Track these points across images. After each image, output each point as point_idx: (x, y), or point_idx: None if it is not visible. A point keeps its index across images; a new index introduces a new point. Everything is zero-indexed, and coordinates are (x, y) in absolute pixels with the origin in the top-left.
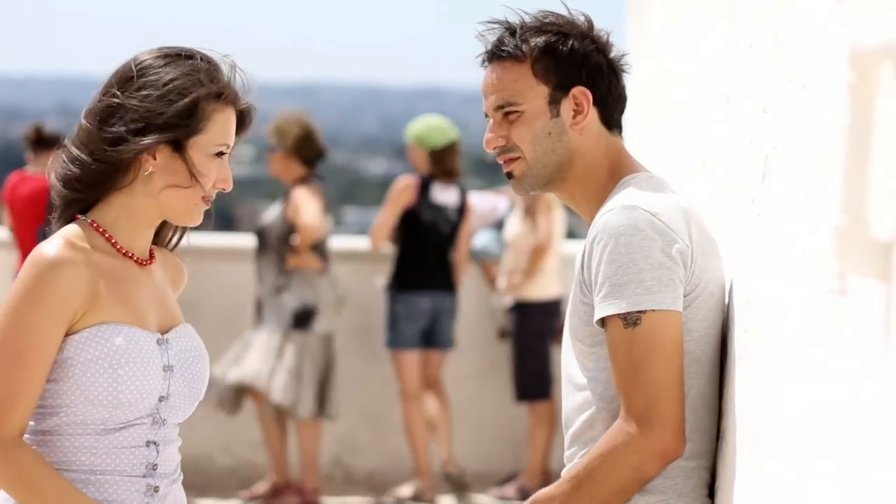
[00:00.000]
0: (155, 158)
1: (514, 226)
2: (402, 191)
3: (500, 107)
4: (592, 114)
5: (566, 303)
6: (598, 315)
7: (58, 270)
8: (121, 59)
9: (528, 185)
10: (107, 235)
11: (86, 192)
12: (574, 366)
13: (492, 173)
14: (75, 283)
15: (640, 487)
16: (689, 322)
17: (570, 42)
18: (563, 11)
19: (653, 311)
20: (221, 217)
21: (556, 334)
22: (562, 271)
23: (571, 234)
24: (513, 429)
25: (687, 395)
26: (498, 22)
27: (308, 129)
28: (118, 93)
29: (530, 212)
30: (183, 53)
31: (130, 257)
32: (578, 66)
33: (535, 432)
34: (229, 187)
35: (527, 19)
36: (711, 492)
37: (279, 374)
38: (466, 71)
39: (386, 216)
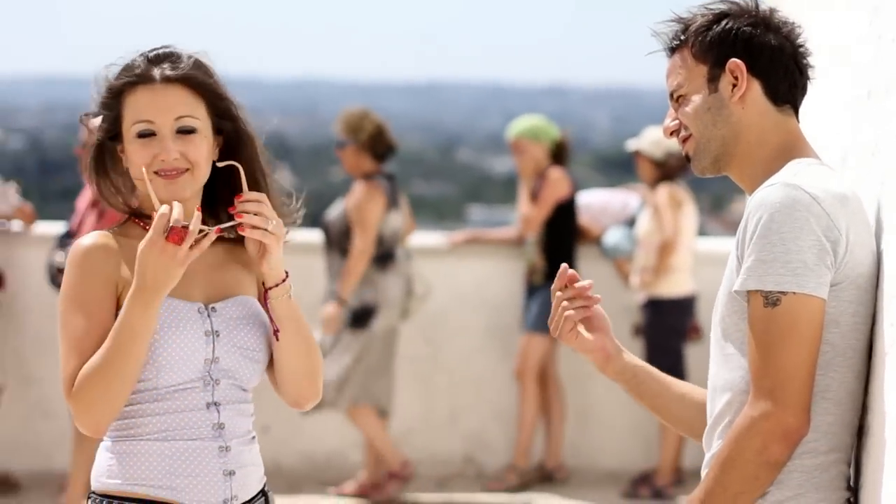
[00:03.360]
0: (122, 153)
1: (645, 222)
2: (558, 182)
3: (672, 94)
4: (755, 87)
5: (700, 299)
6: (738, 286)
7: (89, 252)
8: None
9: (699, 163)
10: (141, 224)
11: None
12: (718, 366)
13: (614, 171)
14: (107, 259)
15: (772, 473)
16: (837, 314)
17: (725, 21)
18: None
19: (793, 293)
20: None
21: (689, 332)
22: (697, 268)
23: (702, 232)
24: (645, 427)
25: (829, 389)
26: (671, 18)
27: (380, 124)
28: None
29: (657, 208)
30: (136, 53)
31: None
32: (732, 41)
33: (667, 431)
34: (167, 158)
35: (693, 10)
36: (848, 486)
37: (329, 370)
38: (590, 69)
39: (542, 207)
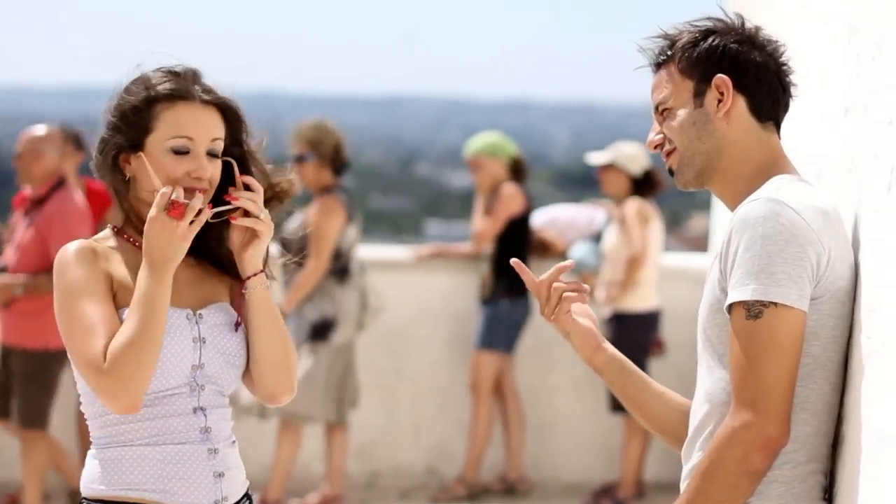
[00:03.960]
0: (129, 163)
1: (611, 237)
2: (512, 198)
3: (657, 107)
4: (739, 103)
5: (665, 315)
6: (727, 301)
7: (81, 250)
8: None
9: (683, 177)
10: (125, 236)
11: (116, 200)
12: (701, 378)
13: (573, 186)
14: (97, 258)
15: (752, 483)
16: (818, 327)
17: (712, 38)
18: (720, 15)
19: (775, 305)
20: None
21: (652, 346)
22: (661, 283)
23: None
24: (606, 439)
25: (808, 400)
26: (657, 34)
27: (340, 137)
28: (106, 109)
29: (625, 223)
30: (159, 67)
31: None
32: (719, 57)
33: (629, 444)
34: (204, 177)
35: (679, 27)
36: (824, 496)
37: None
38: (551, 85)
39: (495, 222)
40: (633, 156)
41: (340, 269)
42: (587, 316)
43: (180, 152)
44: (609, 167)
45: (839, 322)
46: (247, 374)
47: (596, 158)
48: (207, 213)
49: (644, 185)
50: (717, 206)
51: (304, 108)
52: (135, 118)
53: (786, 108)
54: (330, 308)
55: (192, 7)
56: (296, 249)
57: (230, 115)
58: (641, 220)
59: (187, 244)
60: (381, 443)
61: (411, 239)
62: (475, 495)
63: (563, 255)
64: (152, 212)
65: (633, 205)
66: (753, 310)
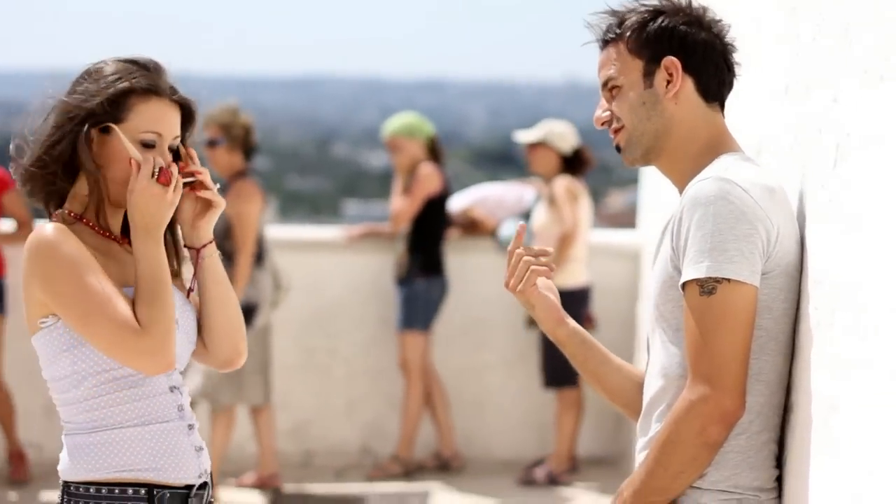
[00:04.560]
0: (91, 146)
1: (541, 215)
2: (429, 178)
3: (605, 84)
4: (687, 84)
5: (595, 290)
6: (682, 279)
7: (60, 232)
8: (118, 51)
9: (630, 154)
10: (84, 220)
11: (57, 185)
12: (654, 353)
13: (490, 164)
14: (76, 239)
15: (710, 454)
16: (770, 301)
17: (661, 18)
18: None
19: (728, 280)
20: None
21: (584, 322)
22: (590, 259)
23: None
24: (539, 416)
25: (762, 372)
26: (605, 11)
27: (249, 121)
28: (64, 94)
29: (555, 201)
30: (130, 58)
31: (108, 236)
32: (668, 38)
33: (562, 419)
34: (169, 182)
35: (628, 5)
36: (777, 464)
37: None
38: (466, 63)
39: (413, 202)
40: (563, 134)
41: (258, 252)
42: (550, 290)
43: (148, 145)
44: (538, 145)
45: (789, 295)
46: (200, 342)
47: (525, 136)
48: (180, 183)
49: (574, 163)
50: (644, 183)
51: (218, 90)
52: (108, 106)
53: (730, 86)
54: (252, 293)
55: None
56: (218, 237)
57: (188, 113)
58: (571, 197)
59: (173, 209)
60: (315, 422)
61: (329, 219)
62: (410, 473)
63: (492, 234)
64: (140, 182)
65: (563, 182)
66: (707, 286)
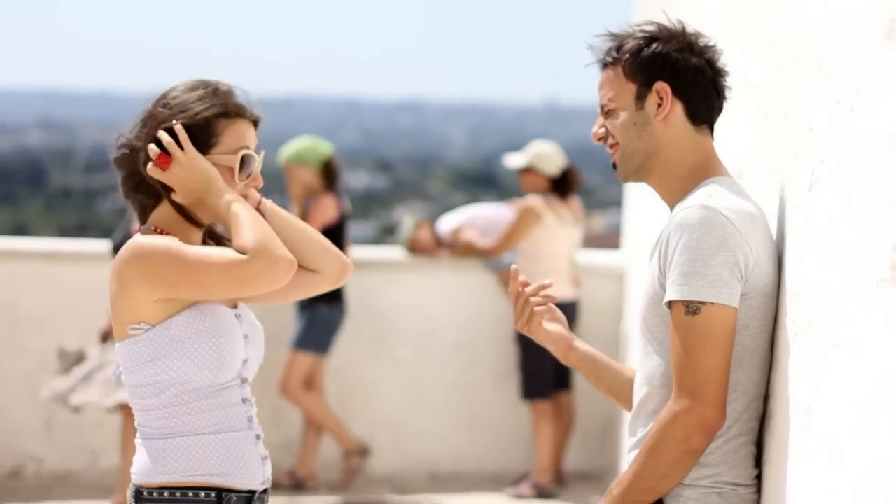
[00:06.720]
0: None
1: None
2: (325, 207)
3: (603, 106)
4: (677, 107)
5: (581, 309)
6: (666, 298)
7: (148, 237)
8: (101, 72)
9: (624, 170)
10: (164, 233)
11: (150, 198)
12: (640, 362)
13: (470, 185)
14: (163, 237)
15: (692, 460)
16: (748, 319)
17: (655, 45)
18: (664, 20)
19: (711, 303)
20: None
21: None
22: (571, 275)
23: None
24: (527, 430)
25: (740, 383)
26: (606, 35)
27: None
28: (153, 108)
29: (513, 219)
30: (206, 82)
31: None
32: (660, 64)
33: (539, 430)
34: (259, 184)
35: (627, 29)
36: (756, 463)
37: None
38: (446, 84)
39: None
40: (549, 156)
41: None
42: (555, 319)
43: (246, 161)
44: (527, 169)
45: (766, 313)
46: (305, 274)
47: (513, 161)
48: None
49: (562, 184)
50: (629, 205)
51: None
52: (201, 131)
53: (720, 110)
54: None
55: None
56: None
57: (256, 127)
58: (532, 217)
59: (208, 166)
60: None
61: None
62: (301, 487)
63: (484, 255)
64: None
65: (524, 202)
66: (692, 307)
